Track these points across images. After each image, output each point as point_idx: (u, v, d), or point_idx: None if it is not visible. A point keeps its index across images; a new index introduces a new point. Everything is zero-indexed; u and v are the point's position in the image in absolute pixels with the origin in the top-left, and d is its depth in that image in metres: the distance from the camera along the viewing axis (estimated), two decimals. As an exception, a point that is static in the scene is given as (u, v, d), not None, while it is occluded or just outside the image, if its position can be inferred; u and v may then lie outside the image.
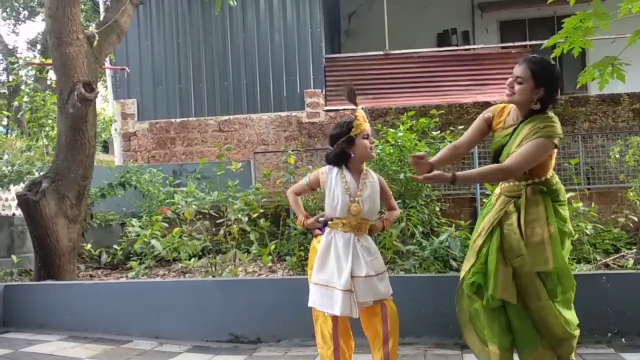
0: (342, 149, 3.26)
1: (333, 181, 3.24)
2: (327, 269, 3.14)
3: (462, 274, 3.31)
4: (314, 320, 3.29)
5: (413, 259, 5.48)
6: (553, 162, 3.15)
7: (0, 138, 14.76)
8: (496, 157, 3.18)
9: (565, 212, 3.11)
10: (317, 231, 3.30)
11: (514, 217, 3.08)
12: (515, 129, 3.13)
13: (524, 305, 3.10)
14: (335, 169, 3.29)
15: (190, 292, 5.17)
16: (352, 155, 3.27)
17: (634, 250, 5.67)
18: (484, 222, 3.22)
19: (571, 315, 3.10)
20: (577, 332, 3.12)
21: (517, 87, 3.08)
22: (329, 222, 3.24)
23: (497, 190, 3.28)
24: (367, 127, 3.27)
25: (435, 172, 3.12)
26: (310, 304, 3.21)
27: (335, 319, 3.16)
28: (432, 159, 3.32)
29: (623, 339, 4.18)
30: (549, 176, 3.12)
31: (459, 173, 3.08)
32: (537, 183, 3.10)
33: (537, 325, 3.09)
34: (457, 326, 4.49)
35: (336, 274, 3.10)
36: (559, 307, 3.05)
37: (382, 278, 3.21)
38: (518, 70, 3.09)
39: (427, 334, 4.56)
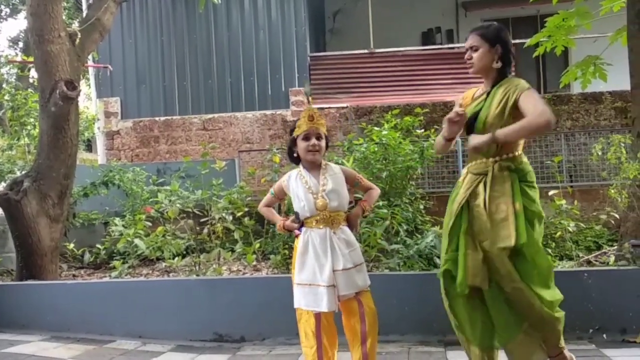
0: (288, 149, 3.36)
1: (293, 185, 3.28)
2: (308, 268, 3.14)
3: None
4: (297, 320, 3.29)
5: (397, 257, 5.49)
6: (522, 140, 3.17)
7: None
8: (470, 125, 3.18)
9: (533, 193, 3.09)
10: (297, 232, 3.30)
11: (482, 197, 3.07)
12: (488, 95, 3.17)
13: (500, 288, 3.07)
14: (294, 173, 3.32)
15: (174, 291, 5.14)
16: (297, 155, 3.32)
17: (615, 247, 5.73)
18: (453, 205, 3.20)
19: (551, 295, 3.04)
20: (559, 315, 3.06)
21: (474, 55, 3.17)
22: (305, 221, 3.24)
23: (464, 170, 3.28)
24: (309, 126, 3.23)
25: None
26: (295, 305, 3.20)
27: (318, 316, 3.16)
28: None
29: (604, 335, 4.22)
30: (517, 154, 3.12)
31: (498, 131, 2.99)
32: (505, 159, 3.10)
33: (516, 307, 3.06)
34: (441, 324, 4.52)
35: (318, 271, 3.10)
36: (535, 288, 3.00)
37: (359, 270, 3.21)
38: (469, 41, 3.20)
39: (411, 331, 4.57)
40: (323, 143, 3.27)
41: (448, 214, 3.27)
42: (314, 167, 3.28)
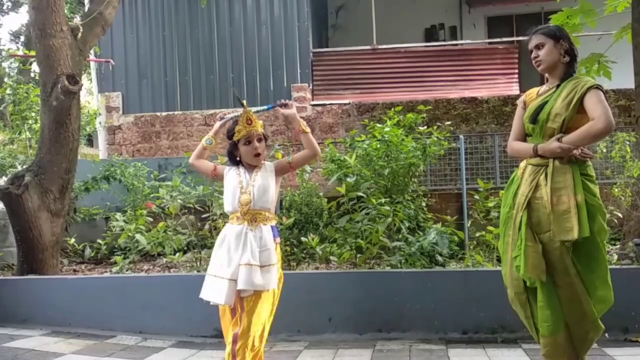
0: (229, 153, 3.33)
1: (228, 178, 3.28)
2: (217, 260, 3.15)
3: (506, 264, 3.29)
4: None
5: (399, 254, 5.48)
6: None
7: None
8: (535, 115, 3.20)
9: (594, 187, 3.10)
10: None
11: (543, 189, 3.09)
12: (556, 89, 3.19)
13: (554, 282, 3.09)
14: (234, 168, 3.30)
15: (175, 287, 5.13)
16: (239, 158, 3.29)
17: (619, 246, 5.70)
18: (519, 198, 3.21)
19: (607, 292, 3.08)
20: (600, 325, 3.10)
21: (541, 52, 3.21)
22: (229, 218, 3.24)
23: (522, 164, 3.30)
24: (248, 131, 3.20)
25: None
26: (200, 295, 3.19)
27: (223, 310, 3.19)
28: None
29: (607, 334, 4.19)
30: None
31: (565, 138, 3.06)
32: None
33: (563, 302, 3.08)
34: (443, 321, 4.54)
35: (225, 264, 3.09)
36: (595, 281, 3.05)
37: (266, 270, 3.11)
38: (534, 41, 3.25)
39: (412, 329, 4.56)
40: (264, 144, 3.27)
41: (506, 205, 3.31)
42: (251, 166, 3.29)
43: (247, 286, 3.04)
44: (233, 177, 3.25)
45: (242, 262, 3.07)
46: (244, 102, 3.25)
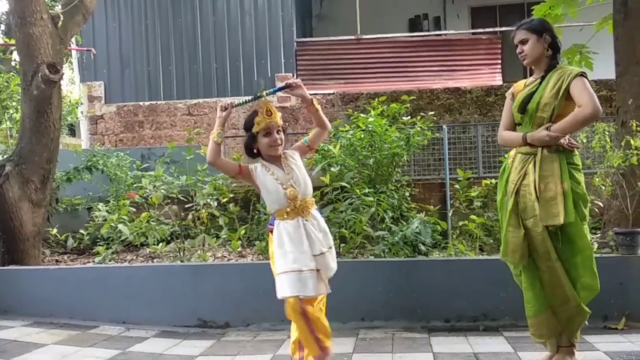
0: (247, 145, 3.27)
1: (261, 177, 3.20)
2: (288, 257, 3.08)
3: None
4: (289, 314, 3.11)
5: (382, 243, 5.50)
6: None
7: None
8: (524, 105, 3.32)
9: (579, 176, 3.25)
10: (270, 226, 3.25)
11: (531, 176, 3.24)
12: (542, 79, 3.31)
13: (536, 266, 3.27)
14: (259, 165, 3.24)
15: (158, 277, 5.13)
16: (257, 151, 3.24)
17: (599, 235, 5.77)
18: (509, 185, 3.37)
19: (592, 279, 3.22)
20: (585, 309, 3.24)
21: (525, 47, 3.34)
22: (276, 214, 3.18)
23: (512, 152, 3.45)
24: (268, 123, 3.17)
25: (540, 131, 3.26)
26: (280, 296, 3.08)
27: (302, 304, 3.08)
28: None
29: (586, 322, 4.24)
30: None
31: (553, 127, 3.20)
32: None
33: (546, 286, 3.25)
34: (425, 310, 4.58)
35: (300, 257, 3.07)
36: (579, 267, 3.20)
37: (331, 252, 3.25)
38: (518, 36, 3.38)
39: (395, 317, 4.60)
40: (283, 136, 3.25)
41: (500, 192, 3.47)
42: (275, 159, 3.25)
43: (332, 272, 3.21)
44: (265, 175, 3.19)
45: (315, 252, 3.11)
46: (265, 92, 3.22)
